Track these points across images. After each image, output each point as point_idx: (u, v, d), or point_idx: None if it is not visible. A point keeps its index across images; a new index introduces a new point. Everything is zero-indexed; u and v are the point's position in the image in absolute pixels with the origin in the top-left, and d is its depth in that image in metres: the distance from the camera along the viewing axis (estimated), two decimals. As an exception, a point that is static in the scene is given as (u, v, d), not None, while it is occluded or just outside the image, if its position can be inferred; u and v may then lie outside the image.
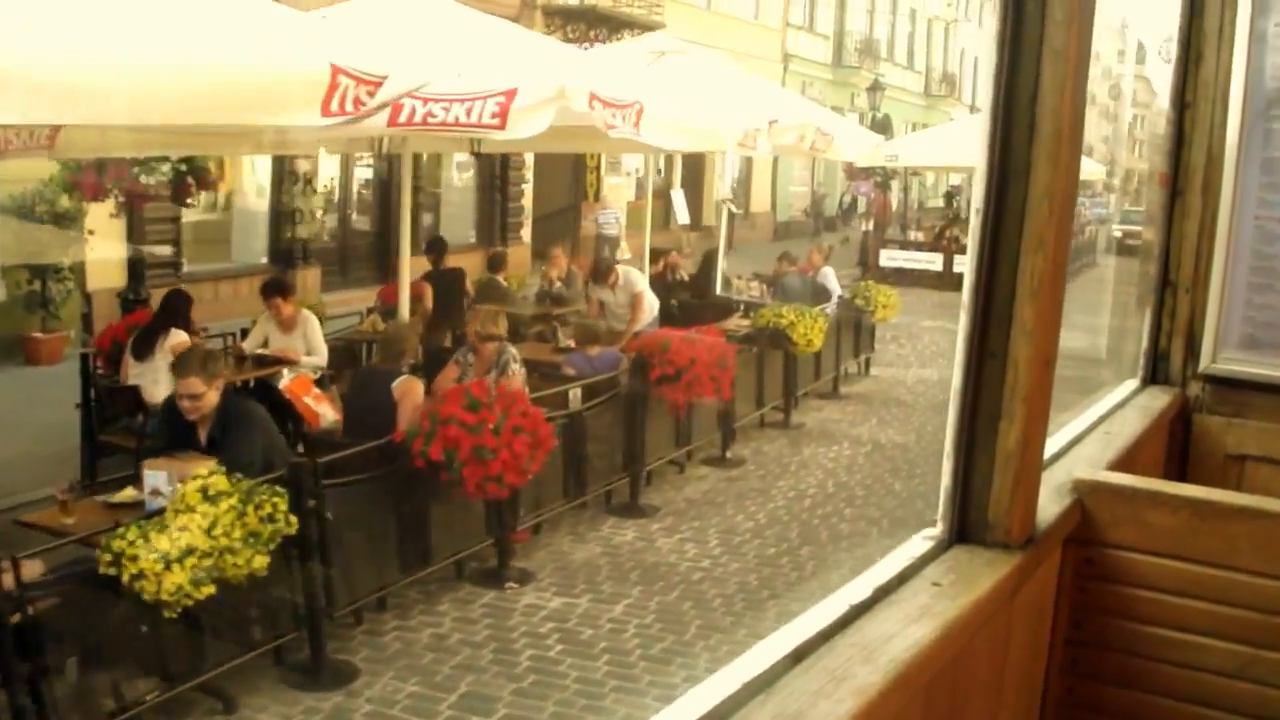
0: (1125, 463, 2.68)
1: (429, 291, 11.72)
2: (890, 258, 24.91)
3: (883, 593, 1.79)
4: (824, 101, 34.73)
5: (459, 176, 23.18)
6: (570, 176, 26.67)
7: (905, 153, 25.32)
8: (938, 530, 2.04)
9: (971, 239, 1.97)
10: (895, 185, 35.66)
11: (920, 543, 2.01)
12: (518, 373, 8.53)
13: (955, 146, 24.49)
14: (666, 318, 12.62)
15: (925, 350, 17.11)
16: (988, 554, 2.00)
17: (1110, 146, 70.52)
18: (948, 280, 24.30)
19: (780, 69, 33.16)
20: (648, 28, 24.95)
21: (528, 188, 23.72)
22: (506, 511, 7.48)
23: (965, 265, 1.98)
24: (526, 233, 24.01)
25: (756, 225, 32.10)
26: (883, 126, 31.13)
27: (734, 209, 29.93)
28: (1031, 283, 1.94)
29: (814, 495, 9.86)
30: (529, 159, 23.40)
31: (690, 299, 14.42)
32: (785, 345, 11.51)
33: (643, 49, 13.08)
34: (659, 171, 28.83)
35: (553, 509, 8.38)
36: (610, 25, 24.50)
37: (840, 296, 14.37)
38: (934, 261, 24.64)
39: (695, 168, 30.53)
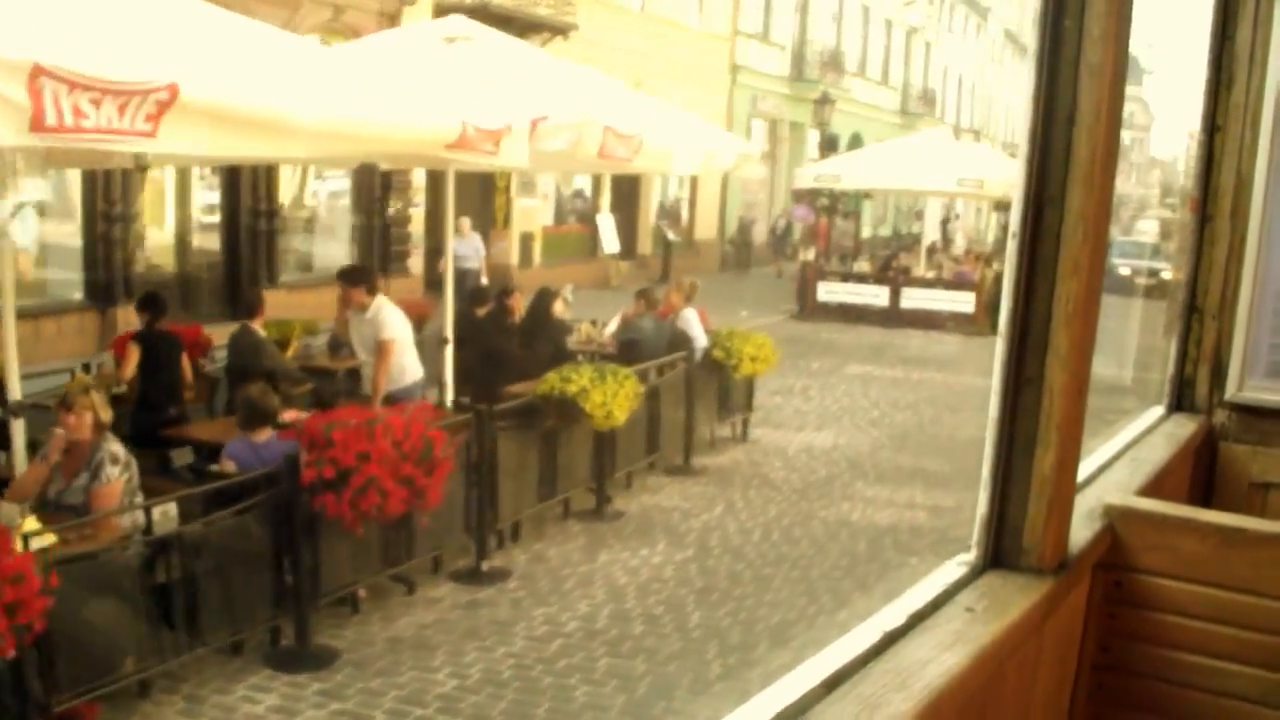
0: (1152, 489, 2.65)
1: (134, 355, 9.02)
2: (830, 292, 22.12)
3: (917, 619, 1.79)
4: (780, 118, 32.11)
5: (329, 197, 20.45)
6: (478, 198, 23.91)
7: (851, 172, 22.57)
8: (972, 555, 2.03)
9: (1009, 265, 1.96)
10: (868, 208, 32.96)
11: (954, 568, 2.00)
12: (114, 479, 5.94)
13: (913, 166, 21.80)
14: (466, 375, 9.92)
15: (833, 406, 14.27)
16: (1021, 579, 2.00)
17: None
18: (895, 317, 21.53)
19: (727, 81, 30.43)
20: (558, 30, 22.27)
21: (417, 211, 20.96)
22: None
23: (1004, 291, 1.97)
24: (416, 263, 21.25)
25: (701, 253, 29.25)
26: (832, 145, 28.38)
27: (671, 235, 27.21)
28: (1067, 308, 1.94)
29: (570, 635, 7.05)
30: (418, 177, 20.68)
31: (518, 349, 11.64)
32: (577, 417, 8.71)
33: (435, 34, 10.30)
34: (578, 194, 26.14)
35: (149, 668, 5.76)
36: (514, 27, 21.76)
37: (706, 348, 11.56)
38: (879, 296, 21.87)
39: (629, 188, 27.80)
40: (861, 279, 22.26)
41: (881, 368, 17.34)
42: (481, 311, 11.87)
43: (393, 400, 8.90)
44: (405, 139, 7.26)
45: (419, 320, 12.20)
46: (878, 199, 37.00)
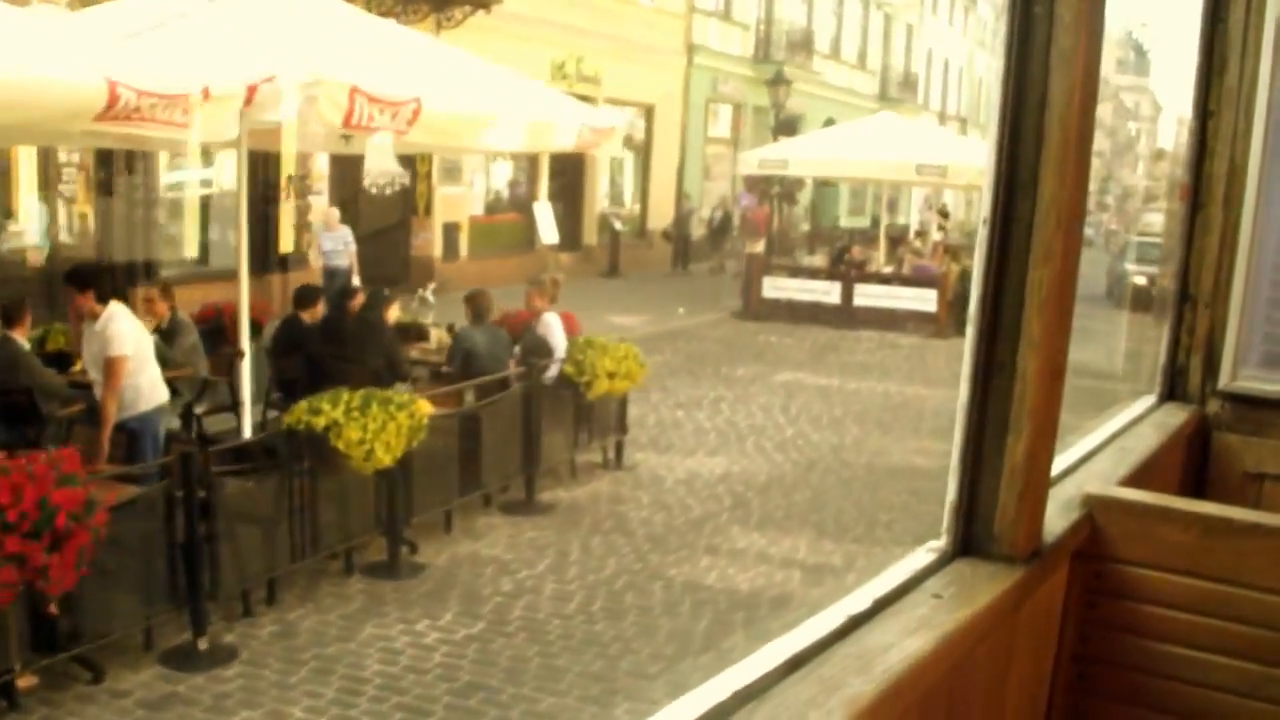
0: (1140, 478, 2.64)
1: None
2: (776, 288, 20.13)
3: (882, 604, 1.78)
4: (743, 102, 30.17)
5: (217, 181, 18.47)
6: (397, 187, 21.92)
7: (799, 158, 20.58)
8: (941, 543, 2.01)
9: (979, 250, 1.94)
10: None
11: (923, 555, 1.98)
12: None
13: (868, 151, 19.83)
14: (289, 393, 8.15)
15: (744, 423, 12.33)
16: (991, 567, 1.98)
17: (1106, 162, 65.87)
18: (848, 317, 19.57)
19: (682, 62, 28.41)
20: (478, 4, 20.30)
21: (318, 199, 19.01)
22: None
23: (974, 277, 1.96)
24: (316, 254, 19.27)
25: (655, 245, 27.18)
26: (790, 129, 26.35)
27: (619, 225, 25.24)
28: (1040, 294, 1.92)
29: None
30: (321, 162, 18.75)
31: (343, 362, 9.71)
32: (330, 458, 6.78)
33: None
34: (514, 183, 24.17)
35: None
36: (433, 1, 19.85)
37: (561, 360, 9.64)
38: (830, 293, 19.87)
39: (572, 173, 25.82)
40: (812, 274, 20.24)
41: (816, 375, 15.39)
42: (308, 316, 9.95)
43: (126, 430, 7.10)
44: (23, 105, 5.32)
45: (257, 325, 10.36)
46: (858, 187, 35.03)
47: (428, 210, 21.44)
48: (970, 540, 2.02)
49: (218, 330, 10.75)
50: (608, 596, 7.26)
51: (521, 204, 24.20)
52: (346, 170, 20.25)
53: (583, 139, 9.09)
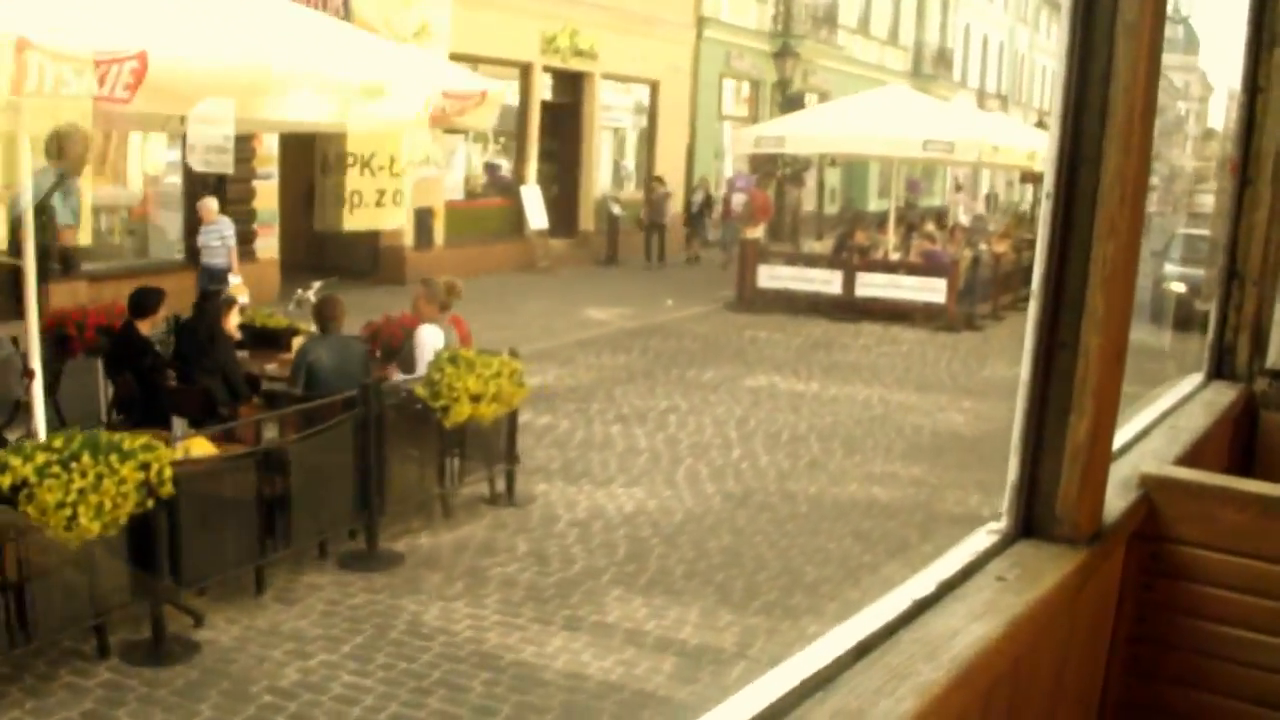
0: (1191, 458, 2.58)
1: None
2: (773, 277, 18.31)
3: (946, 588, 1.76)
4: (760, 78, 28.33)
5: (167, 167, 16.99)
6: (365, 168, 20.34)
7: (798, 135, 18.73)
8: (1003, 524, 1.99)
9: (1042, 225, 1.91)
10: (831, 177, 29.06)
11: (985, 536, 1.96)
12: None
13: (873, 127, 17.97)
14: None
15: (687, 441, 10.60)
16: (1054, 549, 1.96)
17: (1153, 141, 62.76)
18: (847, 307, 17.74)
19: (691, 35, 26.56)
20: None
21: (267, 184, 17.44)
22: None
23: (1036, 253, 1.93)
24: (270, 245, 17.75)
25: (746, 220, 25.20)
26: (797, 105, 24.40)
27: (618, 209, 23.51)
28: (1104, 270, 1.89)
29: None
30: (269, 143, 17.18)
31: (162, 377, 8.15)
32: (18, 523, 5.16)
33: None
34: (496, 165, 22.48)
35: None
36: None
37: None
38: (831, 281, 18.02)
39: (568, 154, 24.13)
40: (810, 262, 18.39)
41: (796, 378, 13.61)
42: (146, 325, 8.38)
43: None
44: None
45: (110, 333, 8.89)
46: (887, 166, 32.95)
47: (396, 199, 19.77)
48: (1032, 521, 2.00)
49: (62, 340, 9.29)
50: (410, 696, 5.59)
51: (509, 187, 22.57)
52: (298, 150, 18.86)
53: (436, 109, 7.34)
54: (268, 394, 8.20)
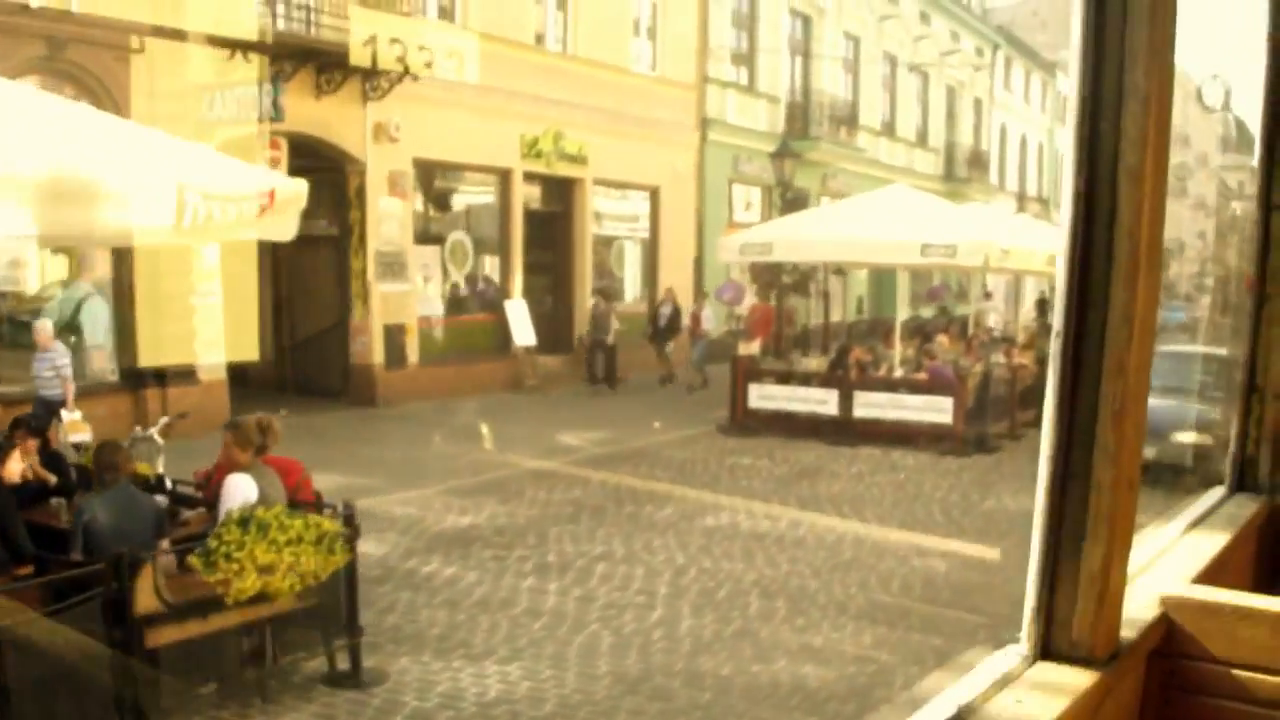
0: (1214, 573, 2.63)
1: None
2: (764, 397, 16.63)
3: (967, 711, 1.80)
4: (773, 183, 26.92)
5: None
6: (333, 281, 19.14)
7: (786, 240, 17.20)
8: (1022, 648, 2.05)
9: (1053, 361, 1.98)
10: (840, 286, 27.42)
11: (1004, 659, 2.01)
12: None
13: (870, 230, 16.42)
14: None
15: (606, 600, 8.92)
16: (1071, 671, 2.01)
17: (1208, 243, 60.78)
18: (846, 430, 16.01)
19: (694, 138, 25.30)
20: (407, 71, 17.42)
21: (207, 302, 16.11)
22: None
23: (1048, 388, 1.99)
24: (213, 367, 16.36)
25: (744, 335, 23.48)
26: (799, 208, 22.87)
27: (616, 324, 21.97)
28: (1113, 405, 1.96)
29: None
30: (210, 257, 15.91)
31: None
32: None
33: None
34: (478, 279, 21.14)
35: None
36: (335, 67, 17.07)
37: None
38: (826, 401, 16.32)
39: (560, 262, 22.77)
40: (804, 380, 16.67)
41: (764, 515, 11.86)
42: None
43: None
44: None
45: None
46: (922, 273, 31.24)
47: (364, 311, 18.48)
48: (1049, 644, 2.04)
49: None
50: None
51: (493, 302, 21.21)
52: (250, 264, 17.61)
53: (194, 213, 5.77)
54: (38, 558, 6.63)
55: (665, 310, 21.18)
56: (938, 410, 15.67)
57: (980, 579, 9.62)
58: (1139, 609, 2.29)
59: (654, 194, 24.62)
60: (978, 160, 38.47)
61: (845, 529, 11.28)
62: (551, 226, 22.59)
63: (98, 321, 14.91)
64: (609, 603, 8.75)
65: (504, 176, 20.99)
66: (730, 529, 11.23)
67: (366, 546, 9.93)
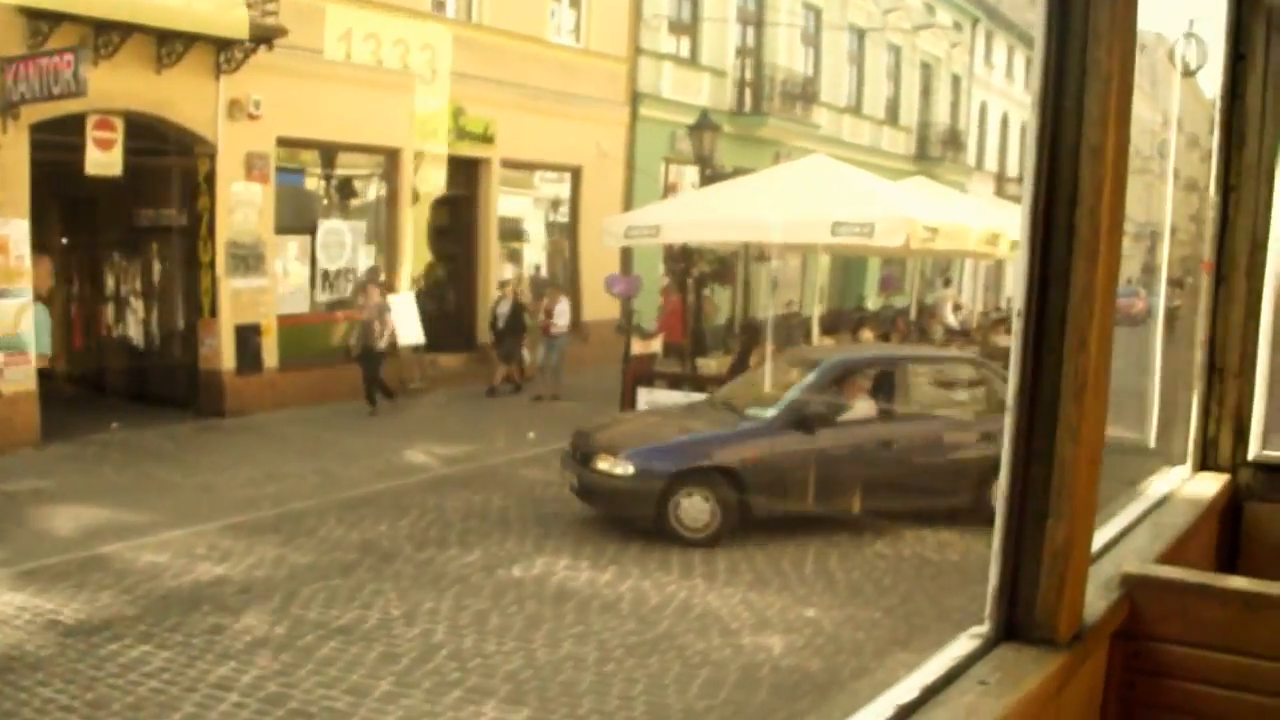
0: (1176, 552, 2.67)
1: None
2: (653, 403, 14.25)
3: (930, 693, 1.80)
4: (725, 165, 24.47)
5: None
6: (182, 277, 16.85)
7: (677, 221, 14.84)
8: (984, 628, 2.04)
9: (1015, 340, 1.99)
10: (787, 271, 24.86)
11: (967, 641, 2.01)
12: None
13: (776, 208, 14.05)
14: None
15: (301, 698, 6.57)
16: (1034, 651, 2.01)
17: (1199, 225, 58.14)
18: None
19: (624, 114, 22.92)
20: (262, 39, 15.10)
21: (12, 304, 13.79)
22: None
23: (1010, 365, 2.00)
24: (21, 376, 14.06)
25: (591, 339, 21.09)
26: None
27: (524, 318, 19.62)
28: (1075, 383, 1.96)
29: None
30: (17, 251, 13.68)
31: None
32: None
33: None
34: (355, 271, 18.77)
35: None
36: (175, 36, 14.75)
37: None
38: (724, 406, 13.90)
39: (462, 252, 20.44)
40: (699, 383, 14.25)
41: (586, 568, 9.51)
42: None
43: None
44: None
45: None
46: (895, 258, 28.69)
47: (213, 310, 16.17)
48: (1013, 625, 2.03)
49: None
50: None
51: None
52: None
53: None
54: None
55: (503, 310, 18.44)
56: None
57: (821, 666, 7.28)
58: (1102, 589, 2.27)
59: (575, 175, 22.27)
60: (954, 140, 35.95)
61: (687, 588, 8.95)
62: (452, 212, 20.27)
63: None
64: (297, 709, 6.44)
65: (391, 157, 18.67)
66: (535, 584, 8.90)
67: (67, 611, 7.95)
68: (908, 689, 1.76)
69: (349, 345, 16.90)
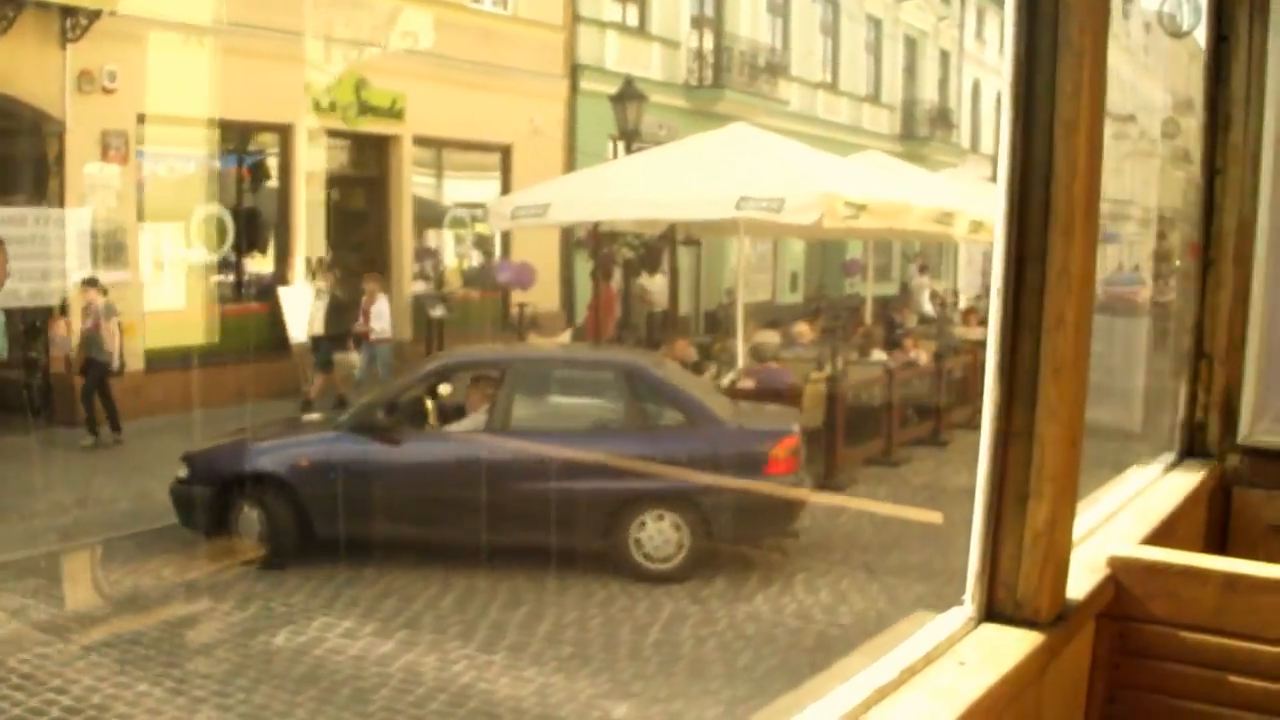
0: (1162, 536, 2.64)
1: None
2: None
3: (909, 673, 1.78)
4: (671, 140, 22.50)
5: None
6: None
7: (568, 200, 12.92)
8: (966, 609, 2.01)
9: (992, 319, 1.95)
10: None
11: (948, 621, 1.98)
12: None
13: (677, 183, 12.12)
14: None
15: None
16: (1016, 631, 1.99)
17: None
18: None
19: (561, 87, 20.97)
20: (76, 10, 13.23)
21: None
22: None
23: (988, 345, 1.96)
24: None
25: (544, 328, 19.05)
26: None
27: (440, 310, 17.79)
28: (1054, 361, 1.94)
29: None
30: None
31: None
32: None
33: None
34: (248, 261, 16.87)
35: None
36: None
37: None
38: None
39: (371, 238, 18.56)
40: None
41: (370, 617, 7.60)
42: None
43: None
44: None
45: None
46: (880, 241, 26.58)
47: (63, 308, 14.32)
48: (994, 605, 2.01)
49: None
50: None
51: (268, 289, 17.00)
52: None
53: None
54: None
55: (319, 305, 15.91)
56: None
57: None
58: (1086, 571, 2.25)
59: (505, 153, 20.31)
60: (944, 119, 33.85)
61: (454, 673, 6.99)
62: (360, 196, 18.38)
63: None
64: None
65: (282, 134, 16.77)
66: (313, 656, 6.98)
67: None
68: (885, 669, 1.74)
69: (69, 355, 14.37)
